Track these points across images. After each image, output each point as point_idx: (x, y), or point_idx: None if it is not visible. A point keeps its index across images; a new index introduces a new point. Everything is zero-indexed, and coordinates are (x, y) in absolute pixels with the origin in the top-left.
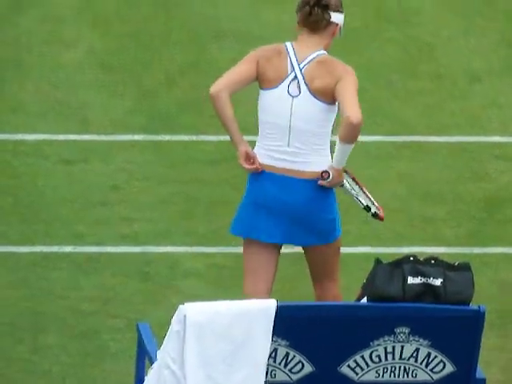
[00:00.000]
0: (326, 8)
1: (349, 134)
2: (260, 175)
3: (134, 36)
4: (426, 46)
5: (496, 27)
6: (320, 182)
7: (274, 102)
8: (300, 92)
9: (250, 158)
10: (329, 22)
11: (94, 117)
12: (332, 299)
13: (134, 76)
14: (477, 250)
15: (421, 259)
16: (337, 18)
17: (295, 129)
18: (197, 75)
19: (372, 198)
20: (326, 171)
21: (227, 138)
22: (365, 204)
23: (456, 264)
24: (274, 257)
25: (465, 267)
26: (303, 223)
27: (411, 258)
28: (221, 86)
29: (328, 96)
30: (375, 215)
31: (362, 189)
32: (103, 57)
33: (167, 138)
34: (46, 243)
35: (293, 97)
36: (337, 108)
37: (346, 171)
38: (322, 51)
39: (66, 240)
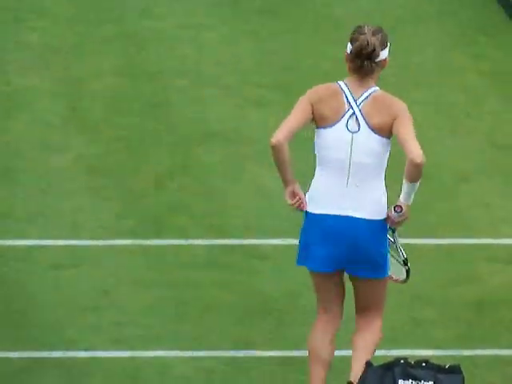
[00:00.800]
0: (376, 58)
1: (414, 173)
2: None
3: (122, 140)
4: None
5: (483, 128)
6: (392, 214)
7: (331, 140)
8: (359, 128)
9: (295, 196)
10: (378, 63)
11: (84, 221)
12: (375, 329)
13: (123, 179)
14: (467, 352)
15: (411, 362)
16: (384, 54)
17: (355, 164)
18: (185, 178)
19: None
20: (398, 205)
21: (217, 241)
22: (405, 256)
23: (447, 366)
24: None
25: (455, 369)
26: (362, 256)
27: (402, 361)
28: (280, 137)
29: (386, 132)
30: (408, 271)
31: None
32: (92, 161)
33: (156, 241)
34: (37, 348)
35: (352, 133)
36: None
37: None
38: (376, 87)
39: (57, 345)
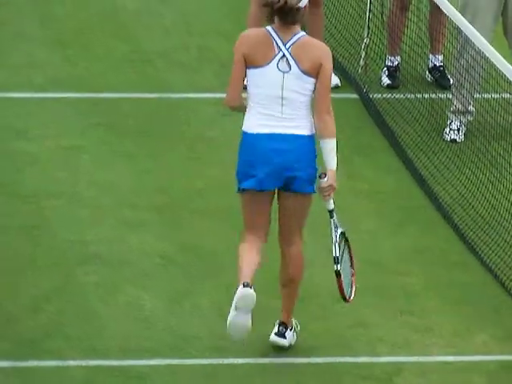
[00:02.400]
0: (291, 9)
1: (322, 128)
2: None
3: None
4: None
5: (359, 247)
6: (320, 181)
7: (265, 79)
8: (290, 69)
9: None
10: (299, 11)
11: None
12: (296, 256)
13: None
14: None
15: None
16: (304, 2)
17: (287, 99)
18: (62, 300)
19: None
20: (323, 172)
21: (95, 362)
22: (335, 255)
23: None
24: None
25: None
26: (297, 169)
27: None
28: (234, 98)
29: (314, 73)
30: (338, 274)
31: (346, 252)
32: None
33: (33, 363)
34: None
35: (283, 72)
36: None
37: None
38: (302, 33)
39: None
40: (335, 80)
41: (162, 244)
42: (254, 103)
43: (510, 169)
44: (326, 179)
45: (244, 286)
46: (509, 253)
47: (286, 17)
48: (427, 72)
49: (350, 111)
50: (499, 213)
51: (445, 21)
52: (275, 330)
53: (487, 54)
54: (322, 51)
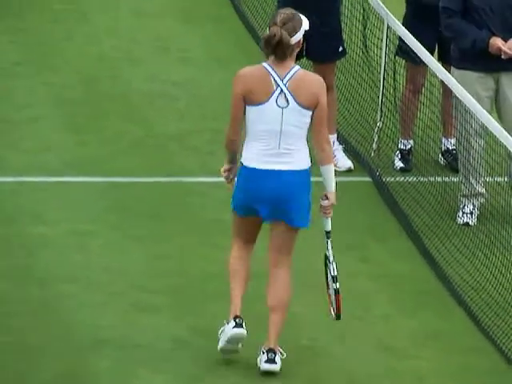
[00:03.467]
0: (286, 45)
1: (323, 156)
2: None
3: (8, 344)
4: None
5: (373, 331)
6: (321, 203)
7: (264, 115)
8: (288, 104)
9: (229, 171)
10: (292, 47)
11: None
12: (282, 280)
13: None
14: None
15: None
16: (297, 38)
17: (285, 133)
18: None
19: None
20: (324, 194)
21: None
22: (334, 274)
23: None
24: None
25: None
26: (292, 203)
27: None
28: (233, 135)
29: (312, 107)
30: (337, 291)
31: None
32: None
33: None
34: None
35: (282, 108)
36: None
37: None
38: (297, 67)
39: None
40: (348, 163)
41: (175, 328)
42: (252, 138)
43: None
44: (327, 202)
45: (236, 324)
46: None
47: (281, 52)
48: (440, 155)
49: (363, 194)
50: None
51: (457, 104)
52: (264, 357)
53: (500, 138)
54: (318, 85)
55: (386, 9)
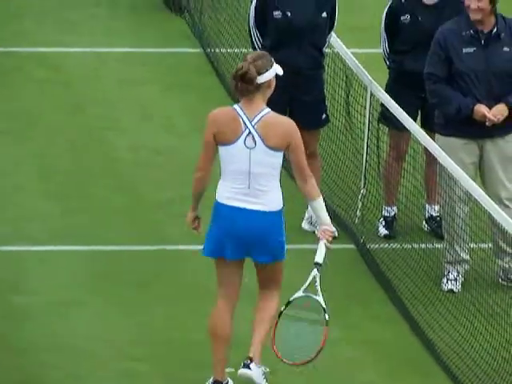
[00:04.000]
0: (251, 81)
1: (310, 192)
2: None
3: None
4: None
5: None
6: (320, 237)
7: (231, 155)
8: (256, 145)
9: (195, 220)
10: (258, 86)
11: None
12: (273, 306)
13: None
14: None
15: None
16: (265, 77)
17: (254, 173)
18: None
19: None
20: (322, 229)
21: None
22: (324, 305)
23: None
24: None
25: None
26: (263, 244)
27: None
28: (203, 171)
29: (281, 149)
30: (327, 323)
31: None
32: None
33: None
34: None
35: (250, 149)
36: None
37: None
38: (267, 109)
39: None
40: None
41: None
42: (225, 177)
43: (508, 319)
44: (323, 241)
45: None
46: None
47: (245, 88)
48: (424, 222)
49: (346, 261)
50: (497, 362)
51: (441, 171)
52: (241, 364)
53: (484, 205)
54: (287, 126)
55: (369, 76)
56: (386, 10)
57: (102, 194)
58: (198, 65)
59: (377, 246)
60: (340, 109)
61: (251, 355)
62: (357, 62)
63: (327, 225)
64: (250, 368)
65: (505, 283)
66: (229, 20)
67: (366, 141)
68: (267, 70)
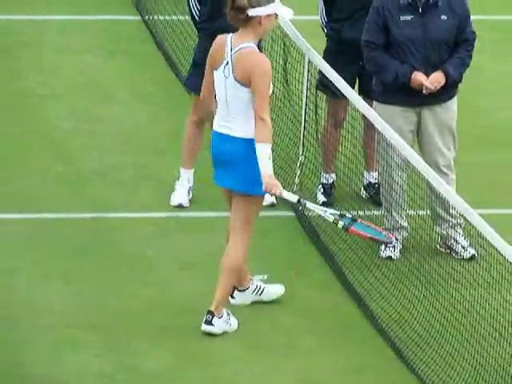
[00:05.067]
0: (241, 9)
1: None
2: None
3: None
4: None
5: (297, 366)
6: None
7: (217, 81)
8: (229, 75)
9: None
10: (247, 19)
11: None
12: (231, 248)
13: None
14: None
15: None
16: (256, 11)
17: (230, 102)
18: None
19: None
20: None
21: None
22: (337, 213)
23: None
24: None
25: None
26: (230, 169)
27: None
28: (203, 95)
29: (247, 84)
30: (345, 228)
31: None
32: None
33: None
34: None
35: (226, 77)
36: None
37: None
38: (247, 43)
39: None
40: (271, 198)
41: (101, 364)
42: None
43: (446, 285)
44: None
45: None
46: (445, 369)
47: (231, 15)
48: (362, 189)
49: (285, 229)
50: (435, 329)
51: (379, 138)
52: (203, 319)
53: (422, 173)
54: (255, 63)
55: (307, 43)
56: None
57: (41, 162)
58: (137, 32)
59: (315, 213)
60: (278, 76)
61: (211, 309)
62: (294, 29)
63: (266, 177)
64: (212, 324)
65: (443, 250)
66: None
67: (304, 108)
68: (260, 5)
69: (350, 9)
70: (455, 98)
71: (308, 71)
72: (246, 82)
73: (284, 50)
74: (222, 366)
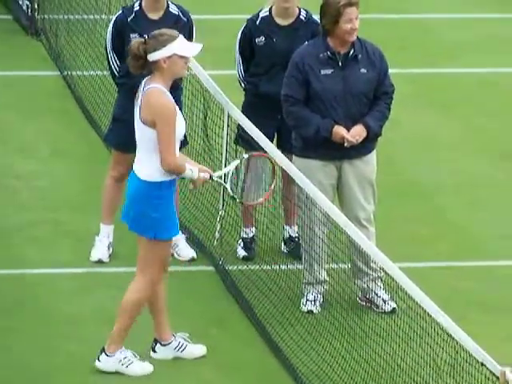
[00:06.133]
0: (138, 57)
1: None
2: None
3: None
4: None
5: None
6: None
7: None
8: (138, 115)
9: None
10: (149, 64)
11: None
12: (132, 289)
13: None
14: None
15: None
16: (155, 56)
17: (138, 143)
18: None
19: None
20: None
21: None
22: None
23: None
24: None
25: None
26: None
27: None
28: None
29: (150, 126)
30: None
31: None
32: None
33: None
34: None
35: (137, 118)
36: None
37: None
38: (156, 85)
39: None
40: (191, 253)
41: None
42: None
43: (366, 338)
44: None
45: None
46: None
47: (133, 65)
48: (283, 243)
49: (206, 284)
50: (355, 382)
51: (299, 192)
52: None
53: (343, 226)
54: (155, 108)
55: (226, 97)
56: (240, 32)
57: None
58: (56, 88)
59: (235, 267)
60: (198, 131)
61: (105, 346)
62: (213, 83)
63: (198, 176)
64: (99, 360)
65: (364, 303)
66: (85, 43)
67: (224, 162)
68: (156, 50)
69: (268, 63)
70: (374, 151)
71: (228, 125)
72: (149, 122)
73: (204, 105)
74: None
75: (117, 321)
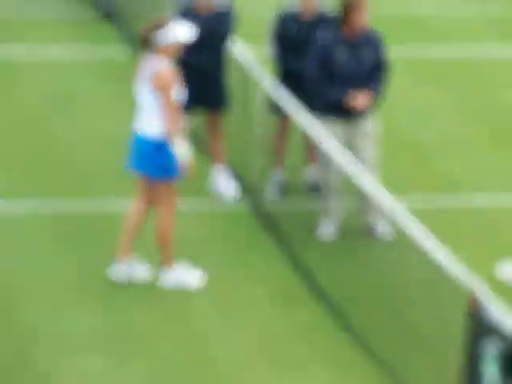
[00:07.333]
0: (143, 37)
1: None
2: None
3: None
4: None
5: None
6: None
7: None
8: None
9: None
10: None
11: None
12: (157, 227)
13: None
14: None
15: None
16: (164, 39)
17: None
18: None
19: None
20: None
21: None
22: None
23: None
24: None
25: None
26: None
27: None
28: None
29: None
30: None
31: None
32: None
33: None
34: None
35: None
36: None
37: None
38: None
39: None
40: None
41: None
42: None
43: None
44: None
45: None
46: None
47: (143, 46)
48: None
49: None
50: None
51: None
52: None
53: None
54: (156, 75)
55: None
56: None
57: None
58: None
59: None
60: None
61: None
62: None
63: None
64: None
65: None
66: None
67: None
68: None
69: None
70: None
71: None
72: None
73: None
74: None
75: (161, 253)
